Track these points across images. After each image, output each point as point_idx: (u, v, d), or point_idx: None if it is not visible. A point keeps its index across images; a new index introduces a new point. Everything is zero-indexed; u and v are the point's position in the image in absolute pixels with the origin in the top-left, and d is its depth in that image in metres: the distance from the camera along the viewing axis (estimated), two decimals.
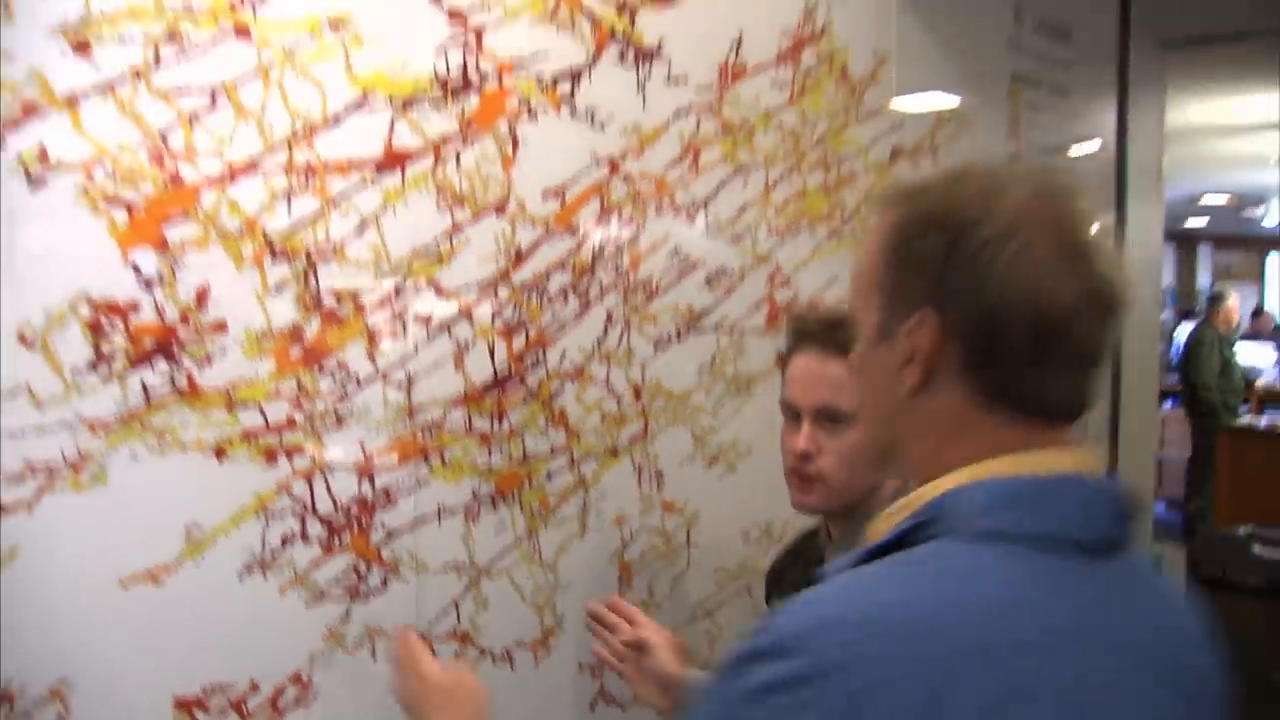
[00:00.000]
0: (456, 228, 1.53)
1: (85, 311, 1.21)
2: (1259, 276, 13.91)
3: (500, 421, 1.60)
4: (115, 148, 1.22)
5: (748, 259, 1.97)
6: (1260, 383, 8.72)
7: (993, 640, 0.77)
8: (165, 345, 1.26)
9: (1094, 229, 0.84)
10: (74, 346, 1.20)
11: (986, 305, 0.81)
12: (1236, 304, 7.68)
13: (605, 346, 1.74)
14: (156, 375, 1.26)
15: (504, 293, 1.59)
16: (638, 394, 1.80)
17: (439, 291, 1.52)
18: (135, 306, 1.24)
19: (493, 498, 1.61)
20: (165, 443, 1.27)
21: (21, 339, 1.17)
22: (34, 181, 1.17)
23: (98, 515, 1.22)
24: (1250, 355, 9.24)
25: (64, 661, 1.21)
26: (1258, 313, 10.86)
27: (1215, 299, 7.51)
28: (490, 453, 1.60)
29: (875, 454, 0.94)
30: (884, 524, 0.87)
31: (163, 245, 1.26)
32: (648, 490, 1.83)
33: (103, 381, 1.22)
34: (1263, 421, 6.77)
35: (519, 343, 1.62)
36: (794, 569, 1.54)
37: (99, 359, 1.22)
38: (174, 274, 1.27)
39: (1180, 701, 0.84)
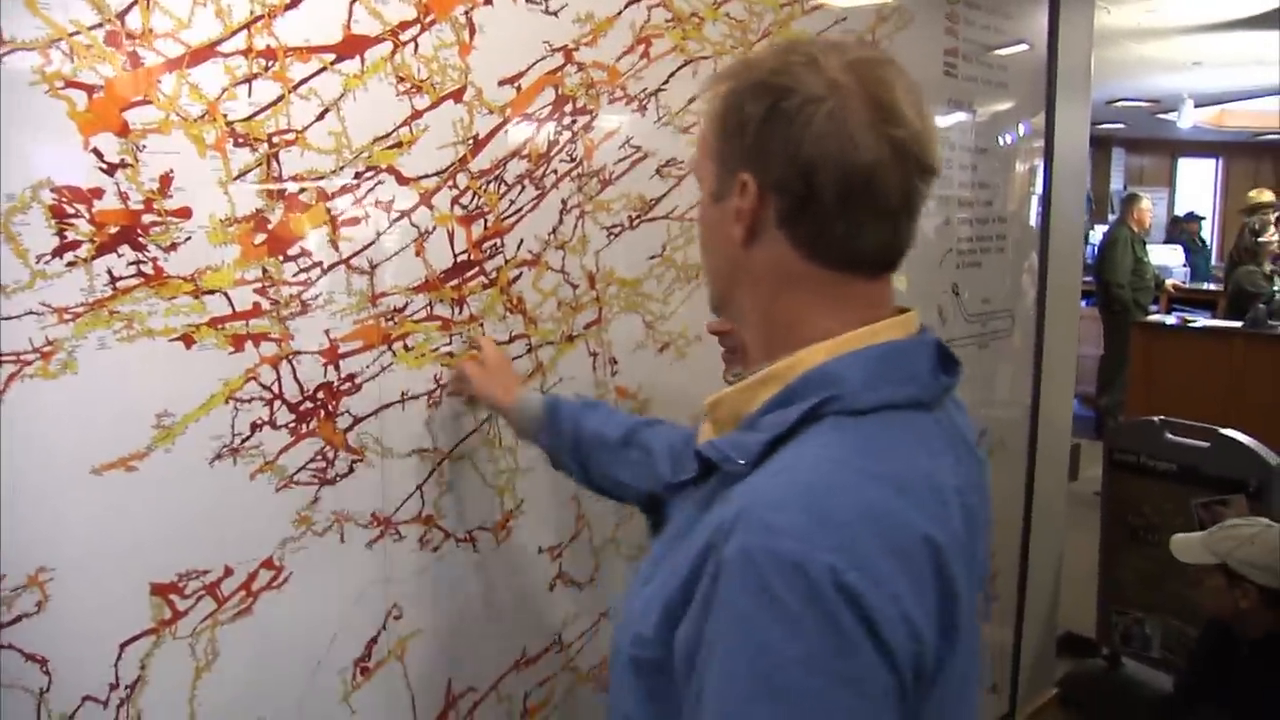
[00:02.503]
0: (416, 114, 1.51)
1: (48, 197, 1.18)
2: (1170, 180, 14.26)
3: (460, 308, 1.61)
4: (70, 26, 1.18)
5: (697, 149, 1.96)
6: (1170, 282, 9.03)
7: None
8: (130, 232, 1.24)
9: (908, 96, 0.90)
10: (38, 233, 1.17)
11: (800, 162, 0.88)
12: (1149, 206, 7.89)
13: (560, 234, 1.74)
14: (122, 262, 1.24)
15: (463, 180, 1.58)
16: (592, 281, 1.81)
17: (399, 178, 1.50)
18: (98, 193, 1.22)
19: None
20: (133, 330, 1.25)
21: None
22: None
23: (69, 403, 1.21)
24: (1161, 256, 9.55)
25: (42, 549, 1.21)
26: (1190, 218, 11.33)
27: (1129, 200, 7.71)
28: (451, 339, 1.60)
29: (715, 303, 1.03)
30: (748, 394, 0.94)
31: (123, 130, 1.23)
32: (602, 376, 1.85)
33: (68, 268, 1.20)
34: (1172, 318, 7.02)
35: (478, 230, 1.62)
36: None
37: (64, 246, 1.20)
38: (136, 159, 1.24)
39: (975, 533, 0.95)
